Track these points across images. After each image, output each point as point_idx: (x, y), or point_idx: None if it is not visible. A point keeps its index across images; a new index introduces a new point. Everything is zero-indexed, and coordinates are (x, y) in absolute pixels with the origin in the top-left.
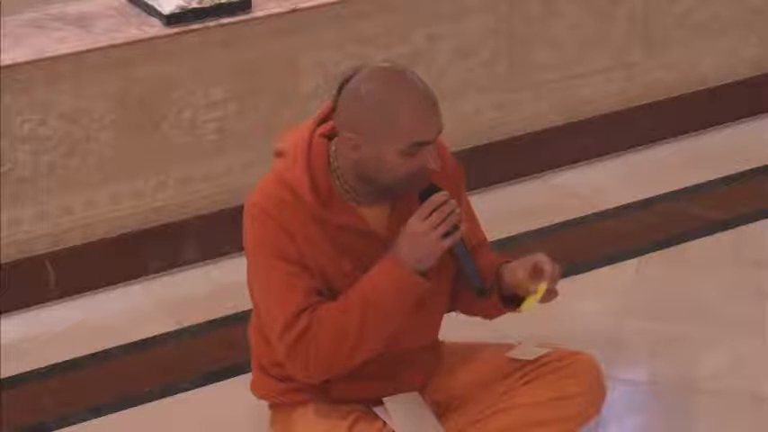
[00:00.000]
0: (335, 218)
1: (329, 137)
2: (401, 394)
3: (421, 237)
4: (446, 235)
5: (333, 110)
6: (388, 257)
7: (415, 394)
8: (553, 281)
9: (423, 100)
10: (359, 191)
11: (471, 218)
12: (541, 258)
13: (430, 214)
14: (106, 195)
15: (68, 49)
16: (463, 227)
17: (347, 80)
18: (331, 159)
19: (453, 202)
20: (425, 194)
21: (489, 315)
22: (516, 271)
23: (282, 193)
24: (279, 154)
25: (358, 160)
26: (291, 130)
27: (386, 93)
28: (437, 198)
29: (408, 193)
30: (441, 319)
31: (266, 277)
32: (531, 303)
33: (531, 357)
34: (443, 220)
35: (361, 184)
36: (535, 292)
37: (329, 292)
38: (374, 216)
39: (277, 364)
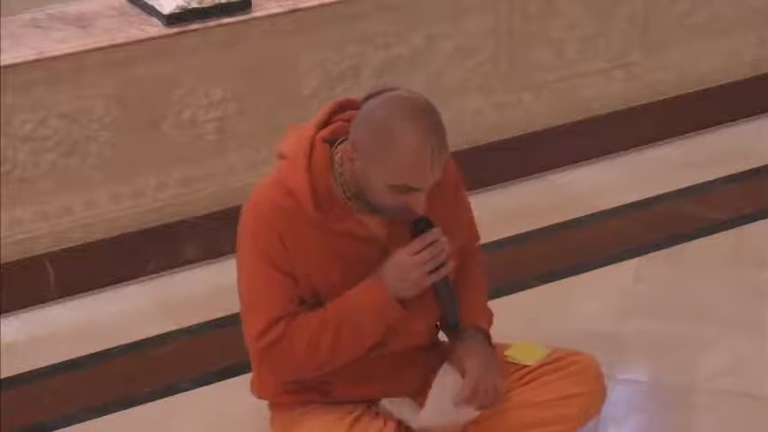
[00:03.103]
0: (335, 224)
1: (332, 142)
2: (397, 398)
3: (408, 269)
4: (433, 270)
5: (335, 112)
6: (371, 279)
7: (410, 400)
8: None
9: (428, 148)
10: (360, 197)
11: (468, 219)
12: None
13: (420, 250)
14: (106, 195)
15: (68, 49)
16: (450, 265)
17: (376, 94)
18: (335, 164)
19: (444, 240)
20: (417, 227)
21: None
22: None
23: (281, 198)
24: (281, 156)
25: (352, 171)
26: (293, 133)
27: (396, 128)
28: (429, 236)
29: (395, 219)
30: (434, 321)
31: (252, 278)
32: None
33: (529, 363)
34: (432, 257)
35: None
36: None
37: (314, 298)
38: (376, 222)
39: None
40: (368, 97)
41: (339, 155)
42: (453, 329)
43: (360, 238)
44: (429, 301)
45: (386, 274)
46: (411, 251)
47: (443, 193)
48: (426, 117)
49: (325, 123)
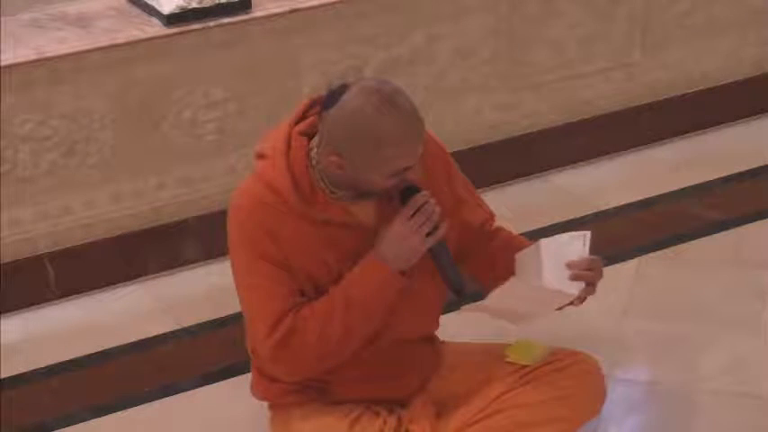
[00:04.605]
0: (321, 214)
1: (309, 135)
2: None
3: (405, 237)
4: (428, 234)
5: (311, 107)
6: (370, 256)
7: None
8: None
9: (408, 128)
10: (341, 189)
11: (471, 194)
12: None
13: (413, 215)
14: (106, 195)
15: (68, 49)
16: (444, 226)
17: (334, 96)
18: (313, 160)
19: (433, 201)
20: (405, 194)
21: None
22: None
23: (264, 195)
24: (260, 156)
25: (341, 176)
26: (270, 134)
27: (377, 127)
28: (419, 199)
29: (388, 194)
30: (437, 309)
31: (250, 278)
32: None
33: (529, 363)
34: (426, 219)
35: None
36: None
37: (314, 289)
38: (361, 208)
39: None
40: (326, 103)
41: (315, 150)
42: (457, 295)
43: (348, 226)
44: (431, 269)
45: (383, 247)
46: (404, 218)
47: (433, 171)
48: (395, 101)
49: (300, 119)
